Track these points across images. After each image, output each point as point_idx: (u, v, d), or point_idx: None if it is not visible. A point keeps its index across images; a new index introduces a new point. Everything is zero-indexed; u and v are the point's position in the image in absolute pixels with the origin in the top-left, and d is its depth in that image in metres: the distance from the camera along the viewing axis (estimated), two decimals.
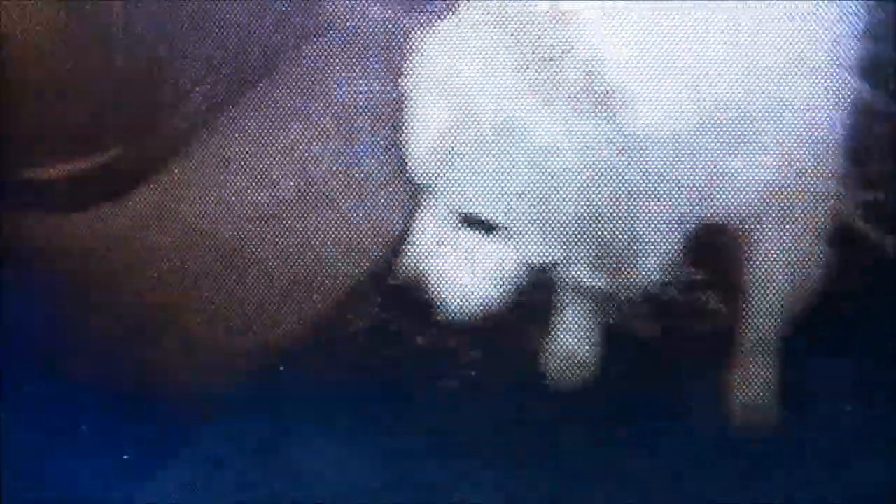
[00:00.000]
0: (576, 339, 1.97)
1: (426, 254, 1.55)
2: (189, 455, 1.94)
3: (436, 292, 1.56)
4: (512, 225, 1.50)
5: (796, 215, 1.72)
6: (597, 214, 1.46)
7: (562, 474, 1.91)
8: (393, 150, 1.56)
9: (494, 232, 1.52)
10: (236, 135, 2.13)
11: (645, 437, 1.93)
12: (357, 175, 2.05)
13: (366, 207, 2.02)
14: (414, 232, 1.56)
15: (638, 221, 1.46)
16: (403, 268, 1.56)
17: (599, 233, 1.47)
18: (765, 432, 1.91)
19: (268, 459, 1.94)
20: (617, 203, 1.45)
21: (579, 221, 1.47)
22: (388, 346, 2.02)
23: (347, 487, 1.91)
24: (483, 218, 1.50)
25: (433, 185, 1.52)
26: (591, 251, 1.49)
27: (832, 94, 1.60)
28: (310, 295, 2.03)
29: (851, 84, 1.63)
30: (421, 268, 1.55)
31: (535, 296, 1.96)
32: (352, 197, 2.04)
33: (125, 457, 1.89)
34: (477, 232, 1.52)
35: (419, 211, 1.55)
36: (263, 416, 1.97)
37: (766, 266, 1.78)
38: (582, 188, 1.44)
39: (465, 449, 1.94)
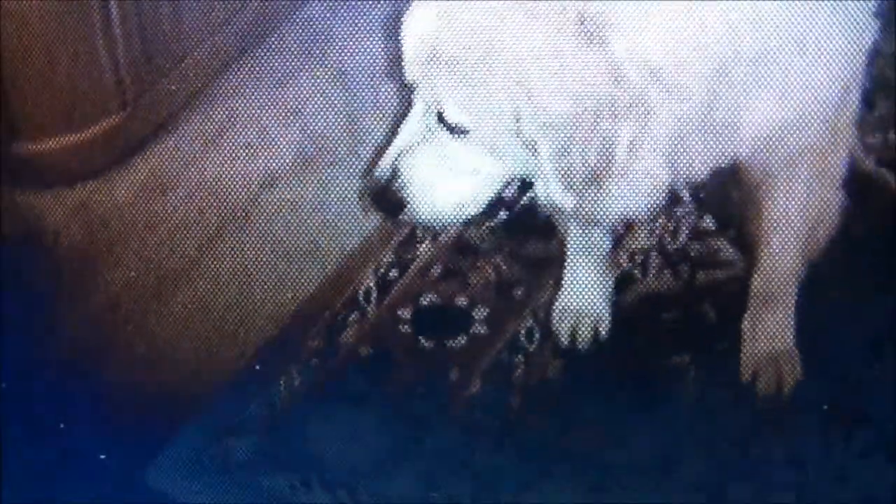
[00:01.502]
0: (586, 296, 1.94)
1: (404, 151, 1.57)
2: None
3: (409, 192, 1.58)
4: (482, 132, 1.51)
5: (813, 160, 1.70)
6: (568, 130, 1.46)
7: (573, 427, 1.89)
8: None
9: (467, 136, 1.53)
10: (237, 96, 2.10)
11: (658, 390, 1.91)
12: (359, 132, 2.02)
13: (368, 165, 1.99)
14: (398, 132, 1.59)
15: (614, 143, 1.46)
16: (380, 166, 1.58)
17: (569, 148, 1.47)
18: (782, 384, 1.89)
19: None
20: (592, 121, 1.45)
21: (549, 135, 1.47)
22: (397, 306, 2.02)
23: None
24: (455, 121, 1.52)
25: (417, 84, 1.54)
26: (560, 167, 1.49)
27: (854, 34, 1.57)
28: (317, 257, 2.01)
29: (872, 26, 1.60)
30: (397, 165, 1.57)
31: (544, 251, 1.96)
32: (357, 157, 2.01)
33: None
34: (452, 135, 1.54)
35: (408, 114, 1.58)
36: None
37: (782, 211, 1.76)
38: (554, 103, 1.45)
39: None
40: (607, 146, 1.46)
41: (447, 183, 1.57)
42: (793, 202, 1.76)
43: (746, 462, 1.84)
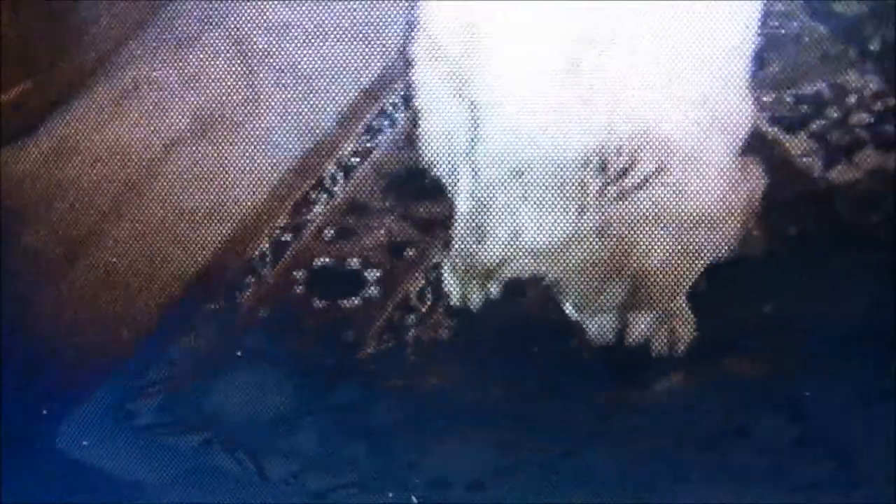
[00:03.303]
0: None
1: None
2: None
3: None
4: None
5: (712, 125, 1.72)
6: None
7: (470, 386, 1.91)
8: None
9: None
10: (141, 62, 2.10)
11: (550, 346, 1.93)
12: (260, 99, 2.03)
13: (268, 133, 2.00)
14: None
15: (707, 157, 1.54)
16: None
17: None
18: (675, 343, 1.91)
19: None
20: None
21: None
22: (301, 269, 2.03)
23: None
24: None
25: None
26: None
27: None
28: (216, 220, 2.02)
29: None
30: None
31: (435, 211, 1.97)
32: (255, 121, 2.02)
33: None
34: None
35: None
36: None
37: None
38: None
39: None
40: (706, 165, 1.50)
41: None
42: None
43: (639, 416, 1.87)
